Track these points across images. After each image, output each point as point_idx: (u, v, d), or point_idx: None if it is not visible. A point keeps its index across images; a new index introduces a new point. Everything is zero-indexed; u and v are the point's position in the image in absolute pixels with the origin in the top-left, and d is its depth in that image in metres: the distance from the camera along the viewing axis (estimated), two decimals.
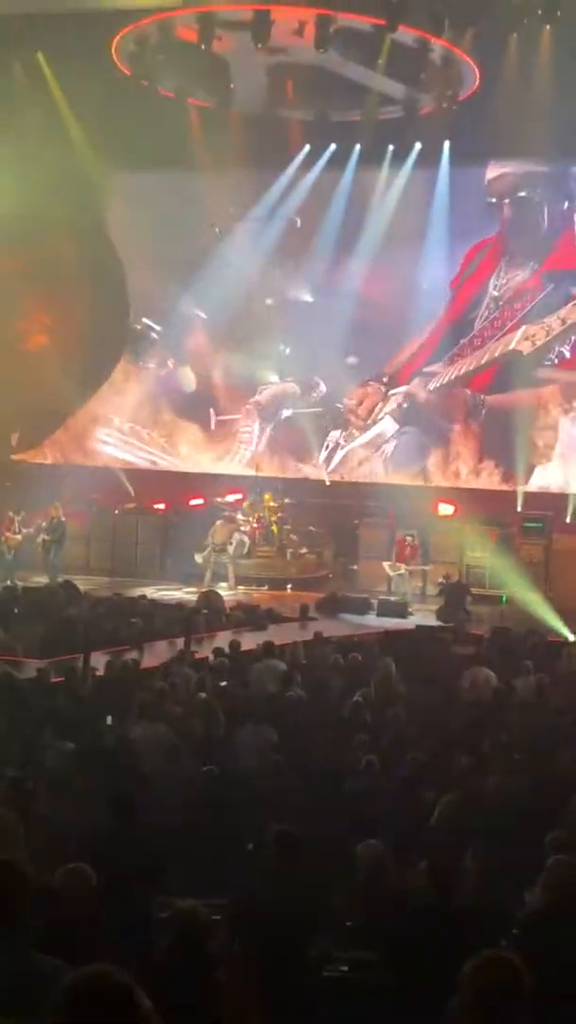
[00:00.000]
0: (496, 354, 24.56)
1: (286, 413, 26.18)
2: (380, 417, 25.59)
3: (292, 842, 6.26)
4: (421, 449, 25.26)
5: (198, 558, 22.23)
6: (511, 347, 24.36)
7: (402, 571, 21.24)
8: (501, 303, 24.71)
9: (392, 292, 24.59)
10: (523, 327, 24.28)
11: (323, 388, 25.94)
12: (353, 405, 25.83)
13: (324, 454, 25.81)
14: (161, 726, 9.96)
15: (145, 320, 26.72)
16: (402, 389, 25.36)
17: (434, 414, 25.20)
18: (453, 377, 24.97)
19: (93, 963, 3.33)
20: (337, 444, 25.89)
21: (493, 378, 24.65)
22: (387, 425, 25.60)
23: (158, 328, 26.69)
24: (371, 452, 25.53)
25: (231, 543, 22.23)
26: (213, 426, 26.45)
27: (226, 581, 21.81)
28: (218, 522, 22.32)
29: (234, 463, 26.12)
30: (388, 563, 21.54)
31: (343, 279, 25.05)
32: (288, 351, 26.21)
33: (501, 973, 3.74)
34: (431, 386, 25.15)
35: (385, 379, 25.63)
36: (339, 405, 25.84)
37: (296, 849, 6.24)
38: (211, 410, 26.48)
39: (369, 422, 25.71)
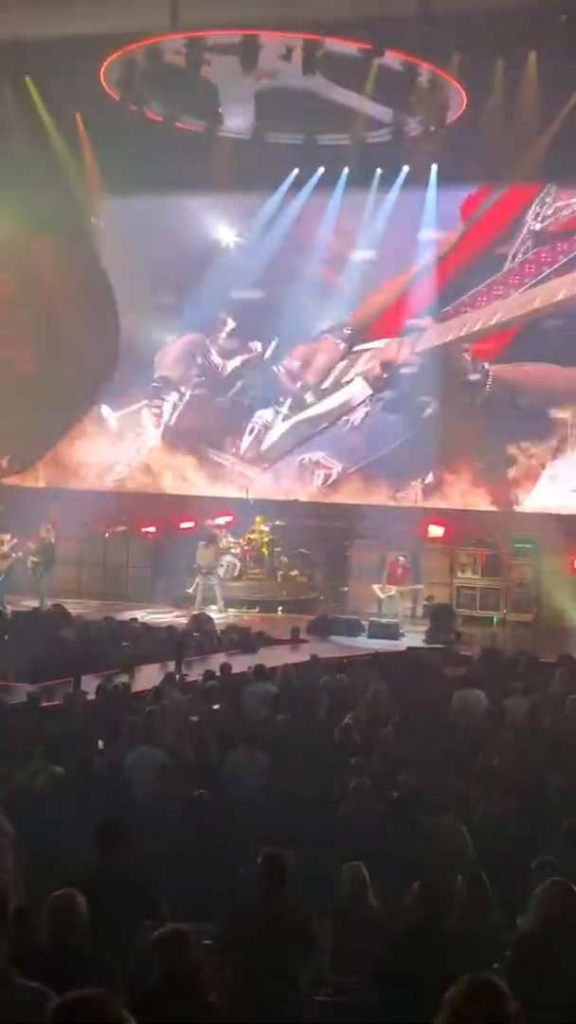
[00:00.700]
0: (528, 308, 21.13)
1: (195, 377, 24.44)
2: (346, 380, 22.84)
3: (280, 865, 6.22)
4: (396, 431, 22.91)
5: (189, 590, 22.13)
6: (556, 299, 20.83)
7: (392, 593, 21.25)
8: (544, 239, 21.36)
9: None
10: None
11: (231, 323, 24.27)
12: (296, 368, 23.34)
13: (248, 440, 24.14)
14: (151, 750, 9.92)
15: None
16: (373, 346, 22.76)
17: (414, 387, 22.53)
18: (452, 337, 21.95)
19: (81, 988, 3.31)
20: (264, 426, 23.85)
21: (510, 342, 21.72)
22: (357, 389, 22.85)
23: None
24: (326, 425, 23.08)
25: (220, 565, 22.18)
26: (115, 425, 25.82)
27: (215, 604, 21.76)
28: (200, 544, 22.23)
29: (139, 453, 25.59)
30: (378, 585, 21.52)
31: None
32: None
33: (483, 999, 3.68)
34: (418, 347, 22.35)
35: (347, 331, 23.07)
36: (276, 369, 23.95)
37: (284, 872, 6.20)
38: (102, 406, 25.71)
39: (325, 386, 23.21)
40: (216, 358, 25.46)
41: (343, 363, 23.57)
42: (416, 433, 23.51)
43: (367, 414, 23.73)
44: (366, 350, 23.07)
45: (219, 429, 25.47)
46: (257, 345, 24.67)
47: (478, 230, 23.02)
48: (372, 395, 23.14)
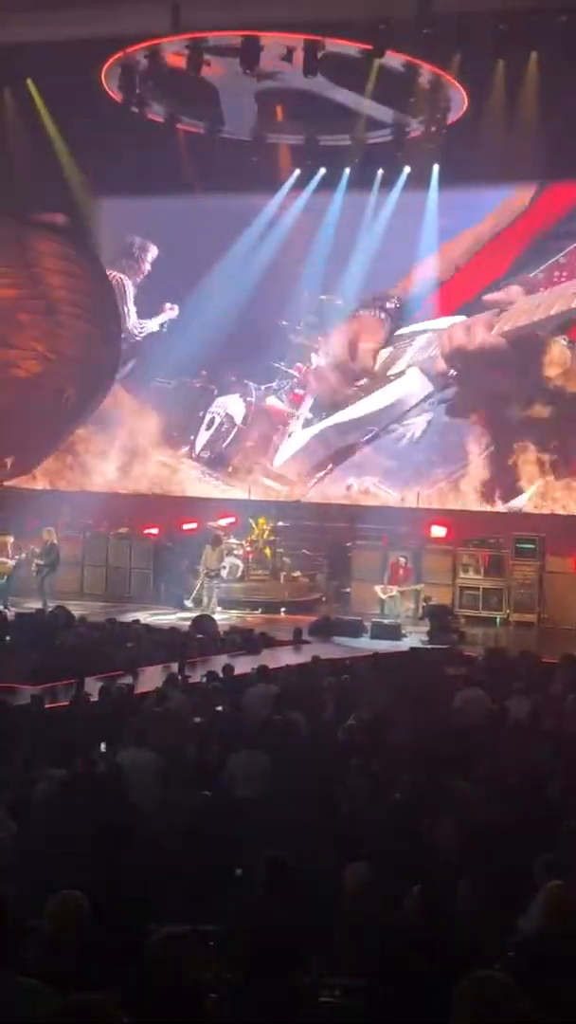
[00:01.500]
0: None
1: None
2: (396, 372, 19.17)
3: (281, 867, 6.21)
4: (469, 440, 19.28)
5: (189, 600, 21.86)
6: None
7: (394, 593, 21.24)
8: None
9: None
10: None
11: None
12: (325, 355, 19.31)
13: (205, 436, 22.53)
14: (153, 752, 9.92)
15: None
16: (432, 327, 19.25)
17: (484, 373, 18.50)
18: (549, 312, 17.63)
19: (82, 991, 3.32)
20: (228, 417, 21.61)
21: None
22: (412, 384, 18.74)
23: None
24: (371, 435, 20.17)
25: (224, 567, 22.15)
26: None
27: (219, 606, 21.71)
28: (206, 547, 22.16)
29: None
30: (380, 586, 21.51)
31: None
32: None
33: (495, 992, 3.74)
34: (501, 327, 18.39)
35: (392, 304, 19.62)
36: (277, 365, 22.17)
37: (285, 874, 6.19)
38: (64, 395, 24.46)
39: (363, 382, 19.39)
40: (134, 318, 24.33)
41: (388, 350, 20.54)
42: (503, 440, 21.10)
43: (430, 422, 20.41)
44: (421, 332, 19.27)
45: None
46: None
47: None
48: (432, 394, 19.70)
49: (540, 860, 6.62)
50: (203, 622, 18.88)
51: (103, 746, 10.62)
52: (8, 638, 17.04)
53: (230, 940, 5.91)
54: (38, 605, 20.62)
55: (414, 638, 19.63)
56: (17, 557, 21.77)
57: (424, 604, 20.67)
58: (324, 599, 23.07)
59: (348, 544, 23.28)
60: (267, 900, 6.17)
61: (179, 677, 14.01)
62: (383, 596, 21.24)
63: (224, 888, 7.11)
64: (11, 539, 21.87)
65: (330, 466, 21.83)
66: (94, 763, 9.68)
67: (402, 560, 21.45)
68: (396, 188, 24.02)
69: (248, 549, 22.88)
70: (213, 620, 19.36)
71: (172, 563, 23.36)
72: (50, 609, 19.71)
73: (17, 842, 7.76)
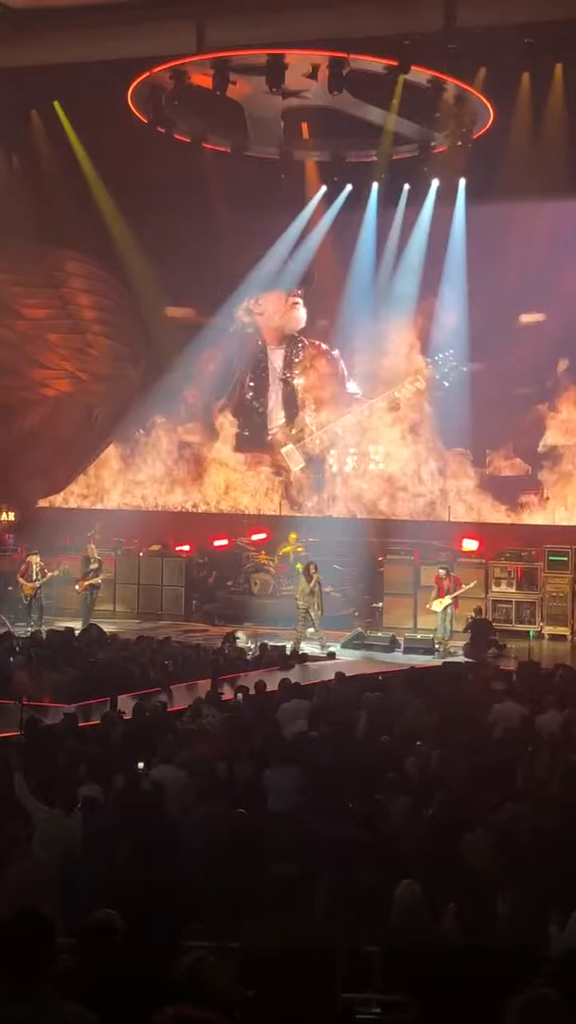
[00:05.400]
0: None
1: None
2: None
3: (290, 885, 6.13)
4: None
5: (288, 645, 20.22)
6: None
7: (448, 602, 20.52)
8: None
9: None
10: None
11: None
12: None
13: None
14: (188, 769, 9.91)
15: None
16: None
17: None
18: None
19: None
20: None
21: None
22: None
23: None
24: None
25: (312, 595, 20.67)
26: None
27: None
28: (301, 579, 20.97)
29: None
30: (435, 601, 20.67)
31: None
32: None
33: (549, 1009, 3.73)
34: None
35: None
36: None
37: (294, 892, 6.10)
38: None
39: None
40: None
41: None
42: None
43: None
44: None
45: None
46: None
47: None
48: None
49: None
50: (234, 639, 18.87)
51: (140, 765, 10.59)
52: (37, 656, 17.02)
53: (250, 958, 5.84)
54: (70, 624, 20.64)
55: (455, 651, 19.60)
56: (49, 575, 21.77)
57: (470, 617, 20.29)
58: (356, 614, 23.00)
59: (379, 559, 23.24)
60: (279, 918, 6.06)
61: (212, 694, 14.00)
62: (437, 609, 20.68)
63: (256, 902, 7.06)
64: (38, 559, 21.87)
65: None
66: (136, 780, 9.65)
67: (442, 572, 20.99)
68: (427, 203, 24.11)
69: (280, 564, 22.84)
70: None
71: (203, 580, 23.37)
72: (85, 628, 19.72)
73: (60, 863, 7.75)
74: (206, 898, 7.00)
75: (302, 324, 26.57)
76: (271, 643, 18.98)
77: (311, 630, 20.39)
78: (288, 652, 18.41)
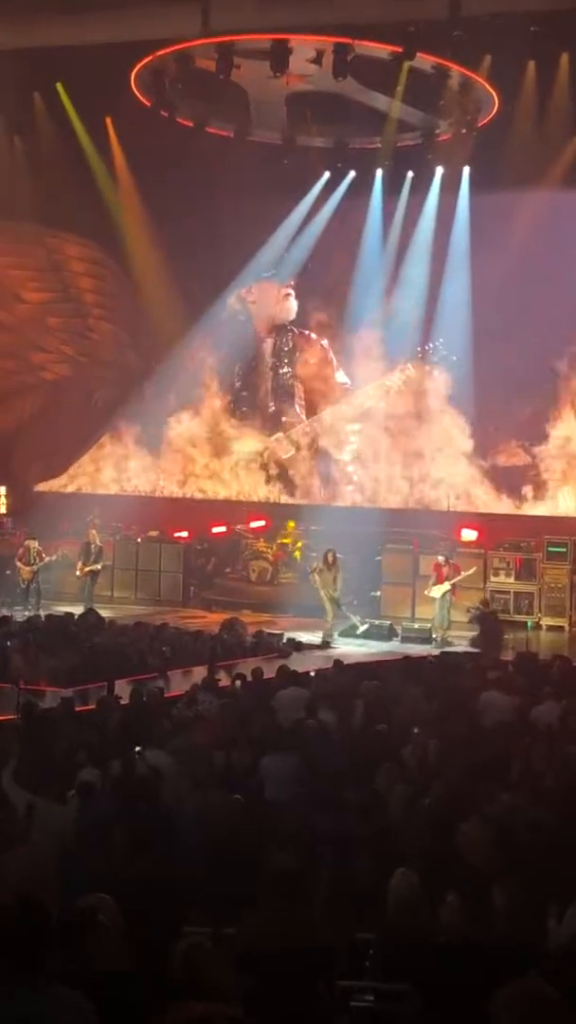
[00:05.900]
0: None
1: None
2: None
3: (288, 877, 6.12)
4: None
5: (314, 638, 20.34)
6: None
7: (447, 587, 20.40)
8: None
9: None
10: None
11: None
12: None
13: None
14: (183, 756, 9.89)
15: None
16: None
17: None
18: None
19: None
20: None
21: None
22: None
23: None
24: None
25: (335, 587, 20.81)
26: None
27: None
28: (312, 570, 21.08)
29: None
30: (434, 587, 20.57)
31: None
32: None
33: (539, 1000, 3.69)
34: None
35: None
36: None
37: (292, 883, 6.09)
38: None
39: None
40: None
41: None
42: None
43: None
44: None
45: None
46: None
47: None
48: None
49: None
50: (233, 625, 18.86)
51: (138, 749, 10.57)
52: (35, 640, 17.01)
53: (247, 947, 5.83)
54: (68, 608, 20.63)
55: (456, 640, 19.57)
56: (49, 559, 21.77)
57: (473, 609, 20.13)
58: (355, 602, 22.95)
59: (378, 548, 23.18)
60: (278, 908, 6.04)
61: (209, 680, 13.99)
62: (435, 595, 20.48)
63: (254, 892, 7.05)
64: (36, 543, 21.85)
65: None
66: (131, 765, 9.63)
67: (441, 559, 20.88)
68: (432, 191, 24.04)
69: (278, 552, 22.82)
70: (243, 623, 19.30)
71: (201, 566, 23.35)
72: (82, 612, 19.72)
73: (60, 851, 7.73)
74: (204, 887, 6.98)
75: (293, 315, 26.45)
76: (267, 631, 19.04)
77: (356, 616, 20.69)
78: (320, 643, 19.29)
